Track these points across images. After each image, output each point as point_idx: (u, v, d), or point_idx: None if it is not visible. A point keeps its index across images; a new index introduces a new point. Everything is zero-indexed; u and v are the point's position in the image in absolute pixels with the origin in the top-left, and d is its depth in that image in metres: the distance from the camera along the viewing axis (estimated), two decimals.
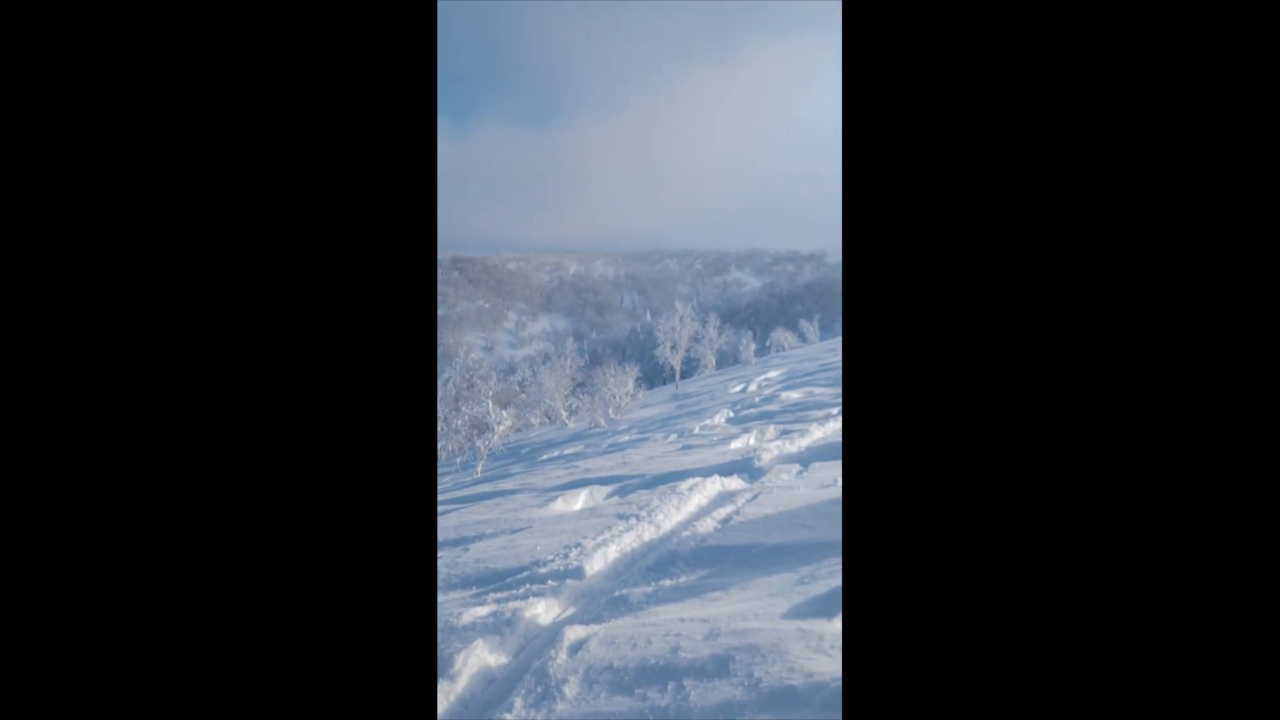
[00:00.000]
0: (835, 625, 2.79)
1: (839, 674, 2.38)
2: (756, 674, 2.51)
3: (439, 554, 5.01)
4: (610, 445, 10.16)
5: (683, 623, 3.09)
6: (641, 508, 5.21)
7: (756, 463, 6.27)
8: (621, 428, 12.62)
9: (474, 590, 4.08)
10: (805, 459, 6.14)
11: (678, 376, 21.44)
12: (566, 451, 10.58)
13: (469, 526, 5.74)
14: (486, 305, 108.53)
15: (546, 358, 19.54)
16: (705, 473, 6.07)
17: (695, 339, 23.09)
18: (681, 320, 21.12)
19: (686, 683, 2.60)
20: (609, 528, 4.82)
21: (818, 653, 2.59)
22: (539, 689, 2.79)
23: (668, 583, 3.74)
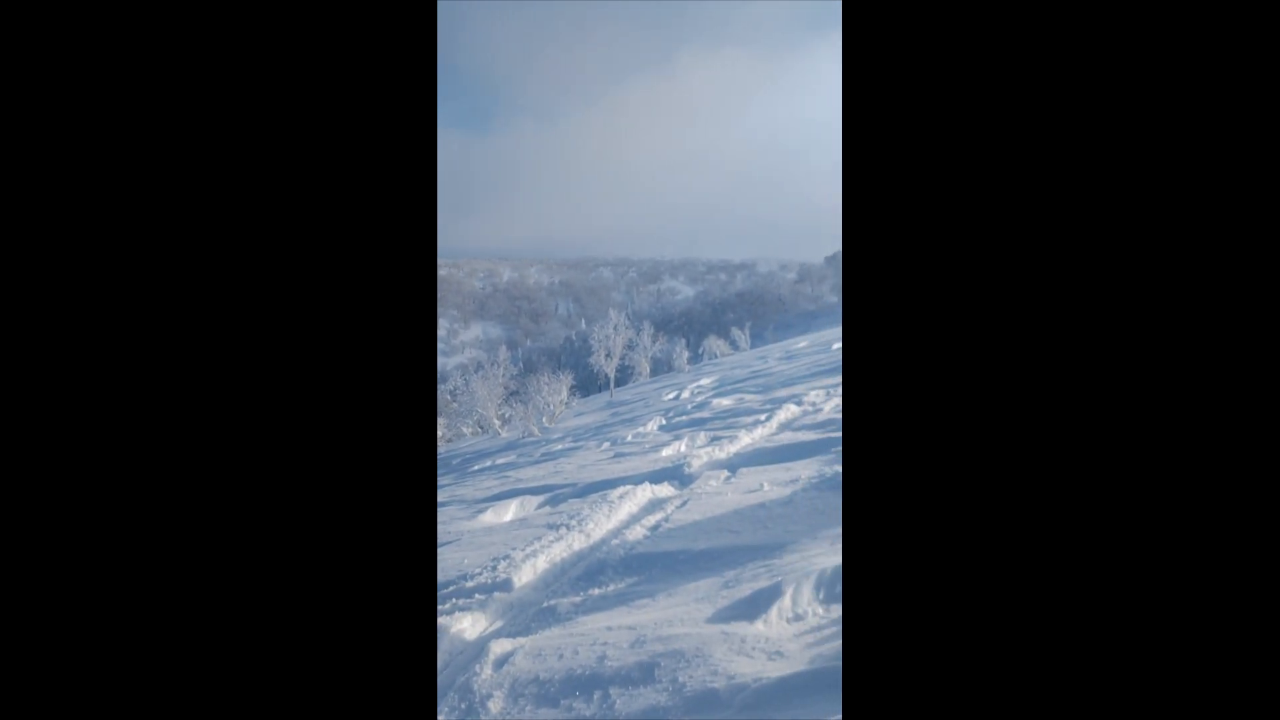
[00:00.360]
0: (757, 627, 2.86)
1: (759, 675, 2.45)
2: (681, 679, 2.55)
3: None
4: (543, 454, 10.07)
5: (610, 631, 3.10)
6: (572, 517, 5.19)
7: (687, 469, 6.36)
8: (555, 436, 12.53)
9: None
10: (734, 465, 6.27)
11: (612, 384, 21.48)
12: (498, 461, 10.42)
13: None
14: None
15: (479, 366, 19.19)
16: (636, 480, 6.10)
17: (630, 347, 23.19)
18: (616, 328, 21.18)
19: (612, 691, 2.61)
20: (539, 538, 4.78)
21: (740, 655, 2.65)
22: (462, 705, 2.74)
23: (596, 592, 3.75)
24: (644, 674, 2.64)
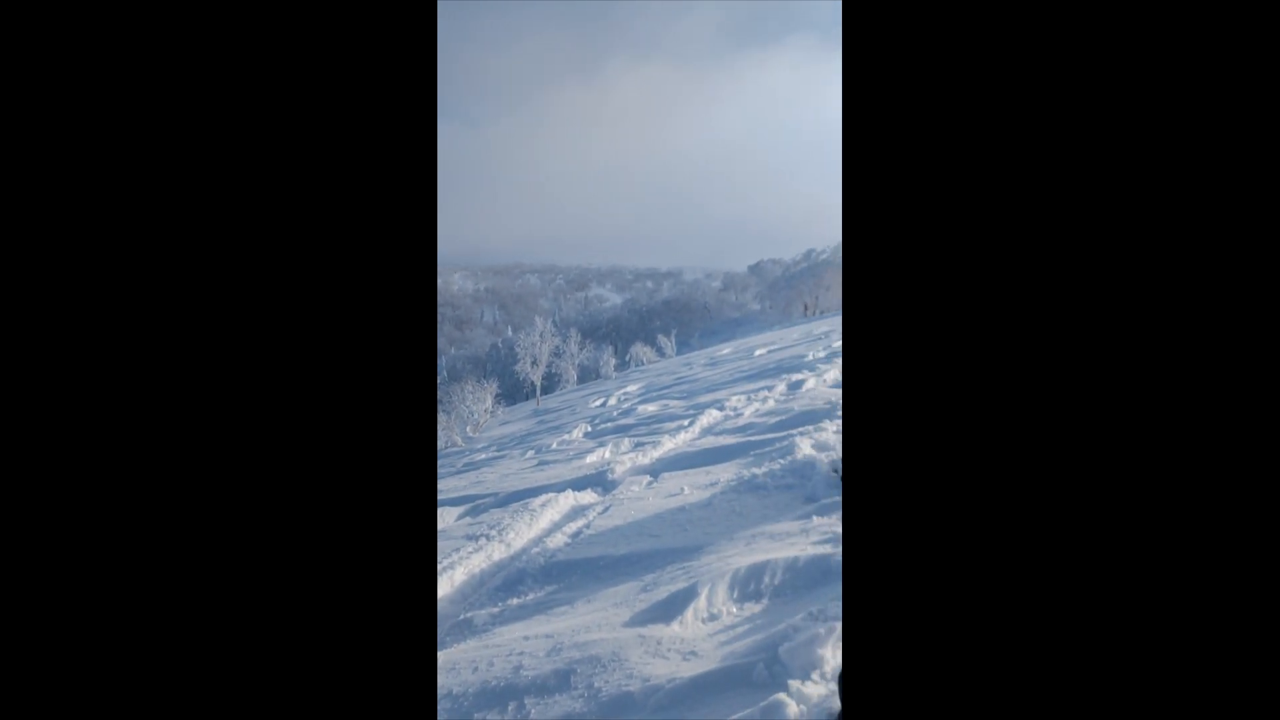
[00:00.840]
0: (673, 629, 2.90)
1: (674, 675, 2.48)
2: (596, 684, 2.54)
3: None
4: (466, 464, 9.85)
5: (526, 640, 3.07)
6: (493, 527, 5.10)
7: (610, 475, 6.37)
8: (479, 445, 12.27)
9: None
10: (656, 470, 6.32)
11: (538, 392, 21.26)
12: None
13: None
14: None
15: None
16: (559, 488, 6.06)
17: (556, 354, 23.04)
18: (542, 335, 20.99)
19: (527, 701, 2.58)
20: (457, 550, 4.67)
21: (655, 657, 2.68)
22: None
23: (515, 602, 3.70)
24: (560, 681, 2.63)
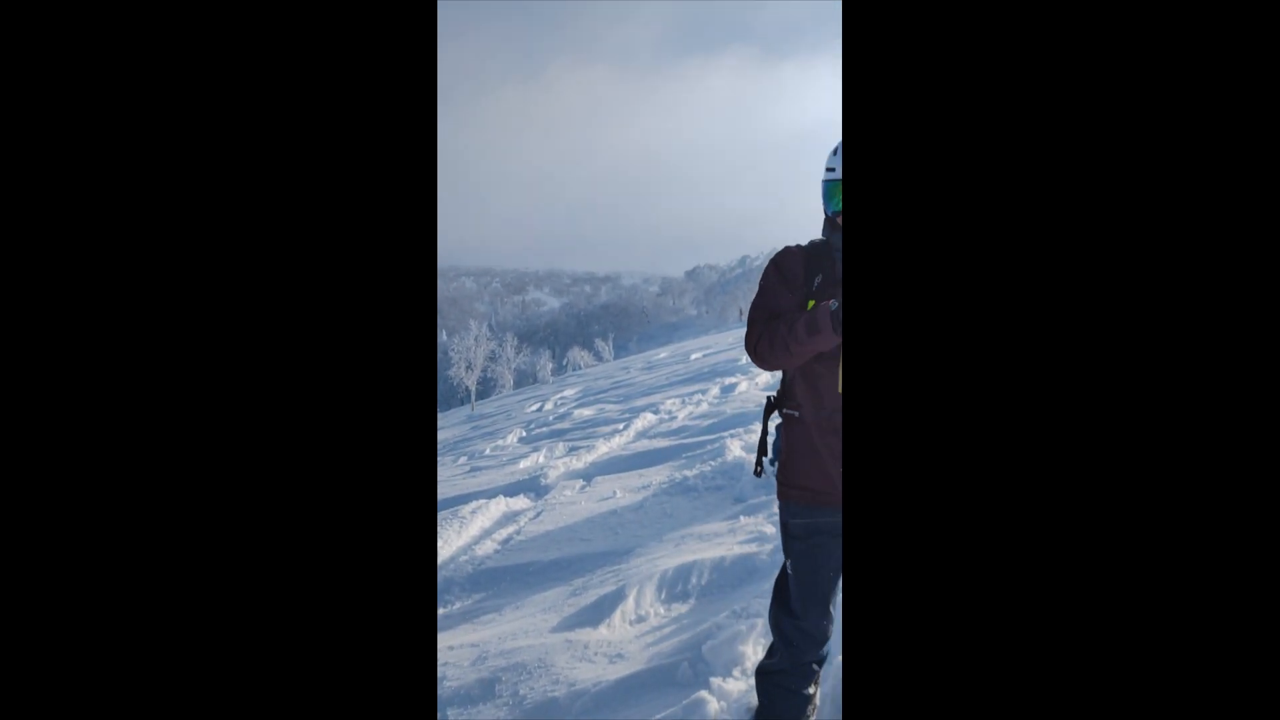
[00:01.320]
0: (601, 632, 2.90)
1: (600, 679, 2.48)
2: (521, 691, 2.51)
3: None
4: None
5: (451, 651, 3.00)
6: None
7: (543, 480, 6.31)
8: None
9: None
10: (589, 474, 6.30)
11: (473, 397, 20.87)
12: None
13: None
14: None
15: None
16: (491, 494, 5.96)
17: (492, 359, 22.66)
18: (477, 339, 20.62)
19: (450, 712, 2.52)
20: None
21: (582, 661, 2.67)
22: None
23: (441, 611, 3.61)
24: (484, 691, 2.58)
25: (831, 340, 1.56)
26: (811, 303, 1.68)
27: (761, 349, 1.67)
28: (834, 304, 1.53)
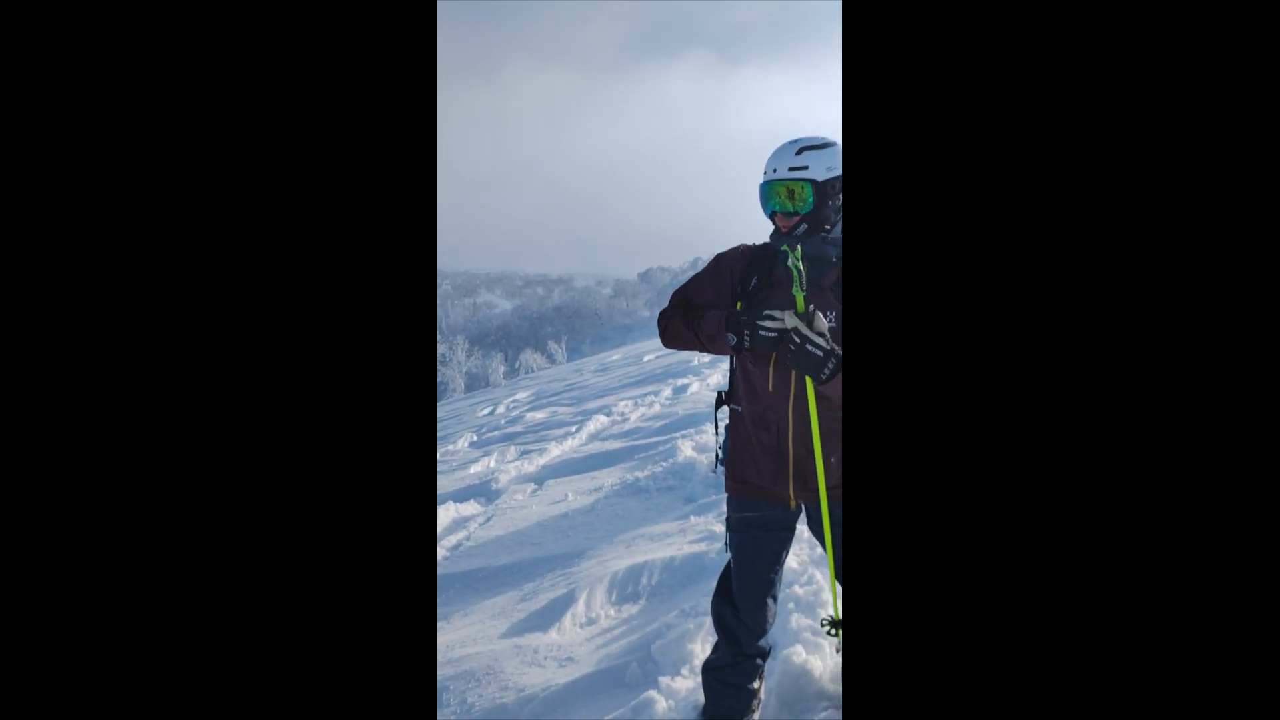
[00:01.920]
0: (551, 636, 2.88)
1: (549, 683, 2.46)
2: (470, 699, 2.48)
3: None
4: None
5: None
6: None
7: (494, 485, 6.23)
8: None
9: None
10: (541, 478, 6.26)
11: None
12: None
13: None
14: None
15: None
16: (440, 500, 5.85)
17: (443, 362, 22.27)
18: None
19: None
20: None
21: (531, 666, 2.65)
22: None
23: None
24: None
25: (727, 351, 1.70)
26: (739, 304, 1.74)
27: (672, 329, 1.80)
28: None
